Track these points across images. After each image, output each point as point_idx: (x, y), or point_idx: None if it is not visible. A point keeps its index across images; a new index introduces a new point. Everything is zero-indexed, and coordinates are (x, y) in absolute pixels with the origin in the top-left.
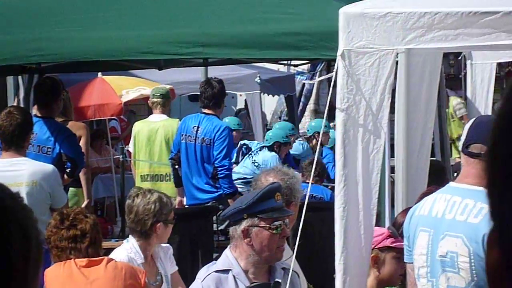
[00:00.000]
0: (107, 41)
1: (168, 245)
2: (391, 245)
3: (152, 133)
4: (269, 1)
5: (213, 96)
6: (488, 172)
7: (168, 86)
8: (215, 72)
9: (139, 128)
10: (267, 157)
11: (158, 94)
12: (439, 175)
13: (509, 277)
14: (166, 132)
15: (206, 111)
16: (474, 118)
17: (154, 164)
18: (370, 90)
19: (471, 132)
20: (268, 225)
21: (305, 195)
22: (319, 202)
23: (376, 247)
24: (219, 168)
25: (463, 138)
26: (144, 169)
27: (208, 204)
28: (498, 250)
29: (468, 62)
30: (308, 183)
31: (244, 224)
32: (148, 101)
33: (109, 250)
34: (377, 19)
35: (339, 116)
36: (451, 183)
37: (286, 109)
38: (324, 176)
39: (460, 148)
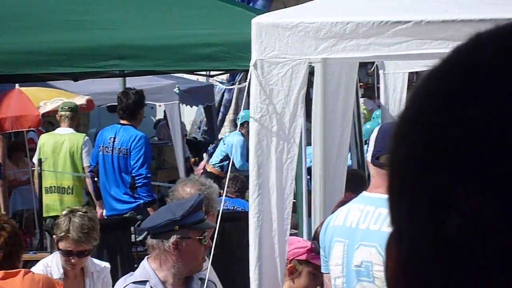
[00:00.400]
0: (22, 54)
1: (106, 265)
2: (310, 260)
3: (57, 146)
4: (185, 12)
5: (129, 107)
6: (387, 178)
7: (86, 97)
8: (133, 82)
9: (45, 140)
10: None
11: (67, 108)
12: (360, 184)
13: (407, 283)
14: (71, 145)
15: (122, 121)
16: (379, 127)
17: (58, 176)
18: (283, 100)
19: (379, 143)
20: (199, 237)
21: (226, 206)
22: (237, 212)
23: (295, 258)
24: (137, 177)
25: (371, 149)
26: (49, 181)
27: (127, 215)
28: (396, 257)
29: (380, 71)
30: (231, 197)
31: (175, 235)
32: (57, 115)
33: (27, 263)
34: (289, 29)
35: (252, 126)
36: (364, 193)
37: (205, 119)
38: (245, 190)
39: (369, 158)
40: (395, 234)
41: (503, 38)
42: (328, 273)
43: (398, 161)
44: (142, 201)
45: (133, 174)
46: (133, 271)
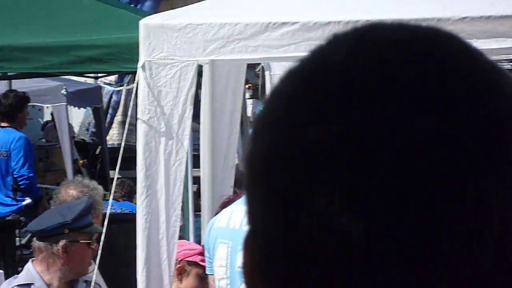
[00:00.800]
0: None
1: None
2: (199, 262)
3: None
4: (71, 15)
5: (6, 109)
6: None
7: None
8: (20, 84)
9: None
10: None
11: None
12: None
13: (262, 281)
14: None
15: (3, 124)
16: None
17: None
18: (172, 102)
19: None
20: (88, 240)
21: (114, 209)
22: (124, 214)
23: (185, 259)
24: (19, 179)
25: None
26: None
27: (9, 218)
28: (252, 255)
29: (266, 73)
30: (118, 201)
31: (65, 239)
32: None
33: None
34: (178, 31)
35: (140, 127)
36: None
37: (93, 121)
38: (132, 195)
39: None
40: (251, 232)
41: (355, 39)
42: (213, 274)
43: (253, 160)
44: (25, 202)
45: (15, 176)
46: (18, 274)
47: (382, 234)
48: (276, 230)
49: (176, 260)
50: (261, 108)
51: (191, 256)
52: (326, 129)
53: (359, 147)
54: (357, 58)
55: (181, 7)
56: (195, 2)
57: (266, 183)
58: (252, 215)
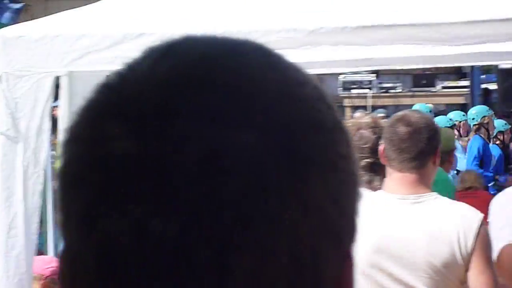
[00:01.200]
0: None
1: None
2: None
3: None
4: None
5: None
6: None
7: None
8: None
9: None
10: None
11: None
12: None
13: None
14: None
15: None
16: None
17: None
18: (29, 114)
19: None
20: None
21: None
22: None
23: (51, 276)
24: None
25: None
26: None
27: None
28: (62, 266)
29: None
30: None
31: None
32: None
33: None
34: (35, 42)
35: None
36: None
37: None
38: None
39: None
40: (65, 244)
41: (160, 53)
42: None
43: (61, 174)
44: None
45: None
46: None
47: (180, 235)
48: (74, 242)
49: (43, 275)
50: (71, 120)
51: (57, 274)
52: (123, 144)
53: (150, 159)
54: (156, 73)
55: (41, 18)
56: (55, 13)
57: (65, 196)
58: (62, 228)
